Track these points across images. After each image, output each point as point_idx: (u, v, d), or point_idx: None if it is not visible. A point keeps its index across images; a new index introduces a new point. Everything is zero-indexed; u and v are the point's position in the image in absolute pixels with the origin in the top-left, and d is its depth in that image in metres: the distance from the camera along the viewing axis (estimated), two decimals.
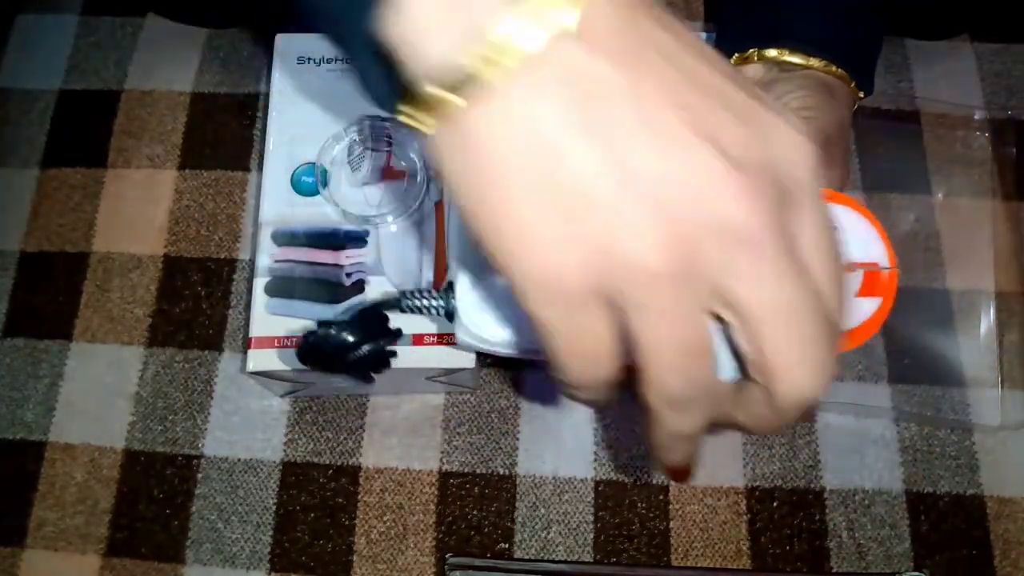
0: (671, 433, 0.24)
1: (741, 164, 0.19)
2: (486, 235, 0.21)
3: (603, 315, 0.21)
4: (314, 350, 0.33)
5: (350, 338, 0.33)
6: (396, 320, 0.36)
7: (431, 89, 0.20)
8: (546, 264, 0.20)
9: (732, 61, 0.39)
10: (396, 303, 0.35)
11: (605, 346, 0.21)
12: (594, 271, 0.20)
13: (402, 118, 0.21)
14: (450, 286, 0.34)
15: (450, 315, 0.34)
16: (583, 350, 0.21)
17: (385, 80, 0.22)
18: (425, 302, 0.34)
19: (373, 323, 0.34)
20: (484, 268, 0.33)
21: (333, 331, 0.33)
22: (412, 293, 0.34)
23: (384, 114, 0.42)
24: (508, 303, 0.33)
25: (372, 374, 0.35)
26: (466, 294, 0.33)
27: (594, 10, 0.19)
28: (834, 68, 0.36)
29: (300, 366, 0.39)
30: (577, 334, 0.21)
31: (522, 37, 0.19)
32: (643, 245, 0.19)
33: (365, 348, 0.33)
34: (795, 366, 0.21)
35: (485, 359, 0.47)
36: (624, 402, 0.24)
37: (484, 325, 0.32)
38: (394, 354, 0.35)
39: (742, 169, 0.19)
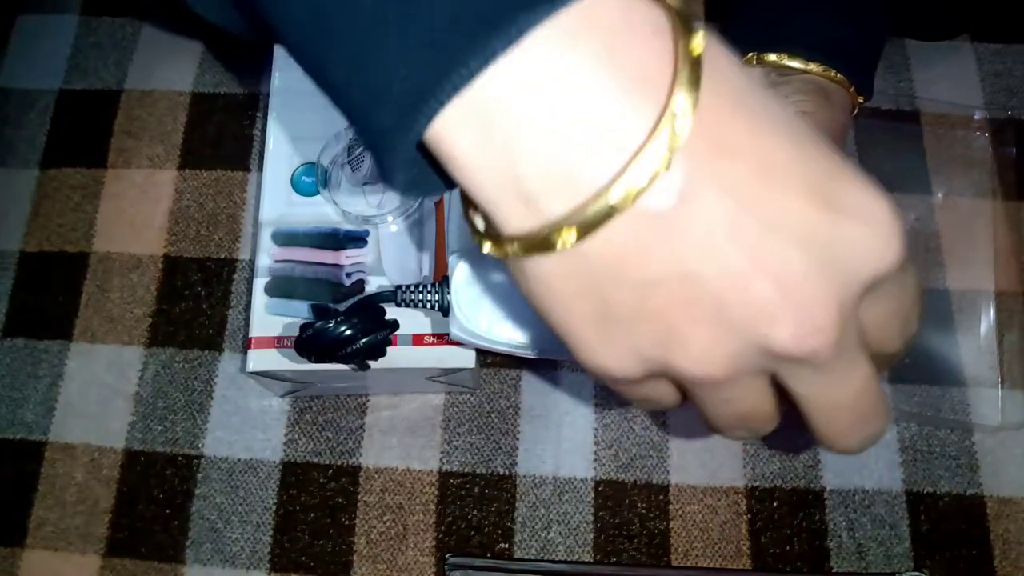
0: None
1: (808, 300, 0.19)
2: (554, 331, 0.22)
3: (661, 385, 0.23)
4: (312, 343, 0.33)
5: (348, 331, 0.33)
6: (391, 311, 0.36)
7: (508, 232, 0.20)
8: (602, 363, 0.21)
9: None
10: (392, 296, 0.35)
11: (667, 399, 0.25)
12: (656, 370, 0.21)
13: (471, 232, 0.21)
14: (445, 281, 0.34)
15: (444, 310, 0.34)
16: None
17: (408, 171, 0.21)
18: (420, 296, 0.34)
19: (370, 316, 0.34)
20: (484, 262, 0.33)
21: (331, 325, 0.33)
22: (408, 287, 0.35)
23: None
24: (501, 300, 0.33)
25: (368, 363, 0.35)
26: (460, 289, 0.33)
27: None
28: (833, 73, 0.36)
29: (300, 366, 0.39)
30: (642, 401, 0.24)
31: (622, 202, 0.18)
32: (698, 364, 0.20)
33: (363, 341, 0.33)
34: (848, 440, 0.23)
35: (485, 359, 0.47)
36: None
37: (477, 320, 0.33)
38: (389, 342, 0.35)
39: (809, 306, 0.19)
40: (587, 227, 0.18)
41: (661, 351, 0.20)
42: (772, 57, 0.37)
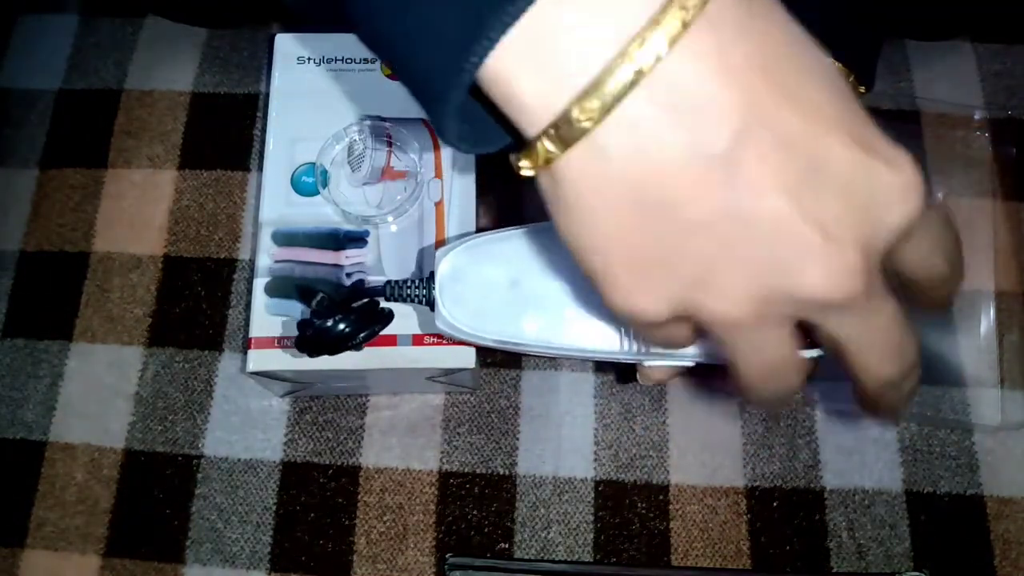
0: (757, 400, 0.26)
1: (841, 243, 0.20)
2: (587, 275, 0.23)
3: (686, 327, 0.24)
4: (313, 342, 0.34)
5: (347, 329, 0.34)
6: (385, 304, 0.37)
7: (535, 136, 0.20)
8: (636, 306, 0.22)
9: None
10: (381, 291, 0.36)
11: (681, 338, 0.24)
12: (683, 312, 0.22)
13: (513, 162, 0.21)
14: (431, 276, 0.34)
15: (431, 304, 0.34)
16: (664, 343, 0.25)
17: (461, 119, 0.22)
18: (408, 291, 0.35)
19: (365, 310, 0.36)
20: (469, 257, 0.34)
21: (329, 324, 0.34)
22: (396, 283, 0.35)
23: (385, 114, 0.43)
24: (485, 294, 0.34)
25: (363, 346, 0.36)
26: (445, 284, 0.34)
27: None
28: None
29: (300, 367, 0.39)
30: (668, 339, 0.24)
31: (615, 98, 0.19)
32: (730, 306, 0.21)
33: (361, 336, 0.35)
34: (881, 371, 0.24)
35: (485, 359, 0.47)
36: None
37: (462, 315, 0.34)
38: (384, 326, 0.36)
39: (842, 249, 0.20)
40: (609, 98, 0.18)
41: (696, 292, 0.21)
42: None
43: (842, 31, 0.38)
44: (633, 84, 0.18)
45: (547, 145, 0.20)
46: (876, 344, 0.23)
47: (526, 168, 0.21)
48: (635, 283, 0.21)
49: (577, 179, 0.20)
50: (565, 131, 0.19)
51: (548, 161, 0.20)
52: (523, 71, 0.19)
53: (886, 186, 0.20)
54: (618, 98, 0.19)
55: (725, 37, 0.19)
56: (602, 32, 0.19)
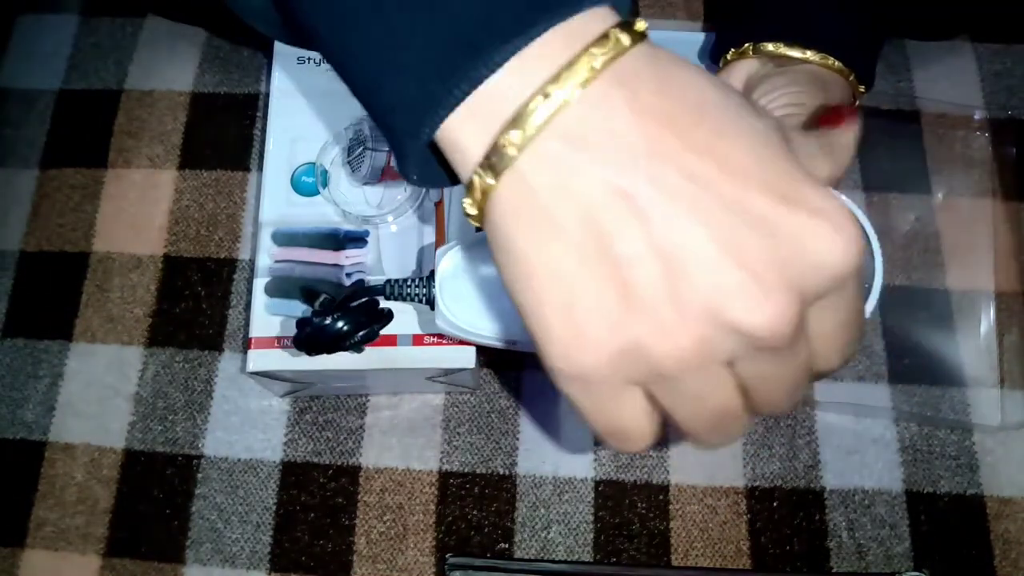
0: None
1: (769, 285, 0.20)
2: (529, 333, 0.23)
3: (631, 396, 0.22)
4: (311, 340, 0.34)
5: (345, 327, 0.34)
6: (384, 303, 0.37)
7: (471, 174, 0.22)
8: (575, 362, 0.22)
9: (728, 57, 0.38)
10: (381, 290, 0.36)
11: (636, 424, 0.23)
12: (621, 363, 0.21)
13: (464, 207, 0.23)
14: (431, 275, 0.35)
15: (431, 303, 0.35)
16: (612, 425, 0.23)
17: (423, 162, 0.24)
18: (408, 290, 0.35)
19: (364, 309, 0.36)
20: (469, 256, 0.34)
21: (328, 322, 0.34)
22: (396, 281, 0.35)
23: None
24: (485, 293, 0.34)
25: (363, 346, 0.36)
26: (445, 283, 0.34)
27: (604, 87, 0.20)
28: (831, 61, 0.36)
29: (300, 367, 0.39)
30: (605, 413, 0.23)
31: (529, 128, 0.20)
32: (672, 346, 0.21)
33: (359, 335, 0.35)
34: (776, 407, 0.24)
35: (485, 359, 0.47)
36: None
37: (462, 313, 0.34)
38: (383, 326, 0.36)
39: (769, 291, 0.20)
40: (531, 129, 0.20)
41: (638, 336, 0.21)
42: (769, 47, 0.37)
43: (841, 30, 0.38)
44: (549, 120, 0.20)
45: (481, 176, 0.21)
46: (784, 385, 0.23)
47: (468, 206, 0.22)
48: (572, 334, 0.21)
49: (509, 212, 0.21)
50: (495, 160, 0.21)
51: (484, 194, 0.22)
52: (464, 125, 0.22)
53: (812, 237, 0.20)
54: (539, 129, 0.20)
55: (635, 87, 0.21)
56: (527, 77, 0.21)
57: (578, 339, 0.21)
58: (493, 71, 0.21)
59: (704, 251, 0.20)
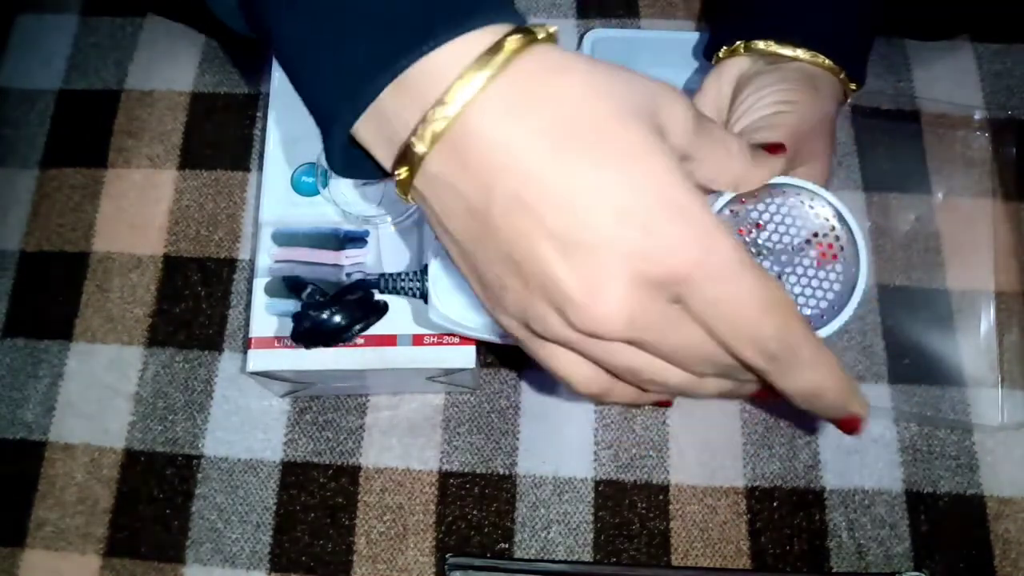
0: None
1: (594, 282, 0.23)
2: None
3: (555, 347, 0.25)
4: (309, 334, 0.35)
5: (343, 321, 0.35)
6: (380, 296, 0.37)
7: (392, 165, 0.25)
8: (496, 315, 0.26)
9: (720, 54, 0.38)
10: (375, 284, 0.36)
11: (571, 371, 0.26)
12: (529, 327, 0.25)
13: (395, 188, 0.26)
14: (424, 269, 0.35)
15: (425, 296, 0.35)
16: (552, 371, 0.26)
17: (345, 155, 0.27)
18: (402, 284, 0.35)
19: (360, 303, 0.36)
20: None
21: (325, 316, 0.34)
22: (390, 275, 0.36)
23: None
24: None
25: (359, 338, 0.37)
26: (439, 277, 0.34)
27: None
28: (821, 59, 0.36)
29: (300, 367, 0.39)
30: (539, 358, 0.26)
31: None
32: (507, 321, 0.25)
33: (356, 328, 0.35)
34: (667, 383, 0.26)
35: (485, 359, 0.47)
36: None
37: (455, 307, 0.34)
38: (379, 318, 0.37)
39: (592, 286, 0.23)
40: (435, 131, 0.23)
41: (531, 301, 0.24)
42: (760, 45, 0.37)
43: (832, 28, 0.38)
44: (437, 137, 0.23)
45: (401, 174, 0.24)
46: (675, 355, 0.25)
47: (399, 191, 0.25)
48: (487, 300, 0.26)
49: (427, 201, 0.25)
50: (409, 159, 0.24)
51: (405, 184, 0.25)
52: (368, 125, 0.25)
53: (667, 235, 0.22)
54: (433, 142, 0.23)
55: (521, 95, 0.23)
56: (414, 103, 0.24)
57: (494, 306, 0.26)
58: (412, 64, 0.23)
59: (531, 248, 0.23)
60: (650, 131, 0.23)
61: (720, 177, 0.29)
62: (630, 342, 0.24)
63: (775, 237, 0.29)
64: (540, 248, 0.22)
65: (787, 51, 0.36)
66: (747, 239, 0.29)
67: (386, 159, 0.25)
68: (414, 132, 0.23)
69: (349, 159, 0.26)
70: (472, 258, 0.25)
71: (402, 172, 0.24)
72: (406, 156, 0.24)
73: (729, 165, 0.29)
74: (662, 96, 0.24)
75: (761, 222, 0.29)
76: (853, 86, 0.38)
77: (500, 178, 0.22)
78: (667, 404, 0.29)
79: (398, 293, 0.36)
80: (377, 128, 0.24)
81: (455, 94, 0.22)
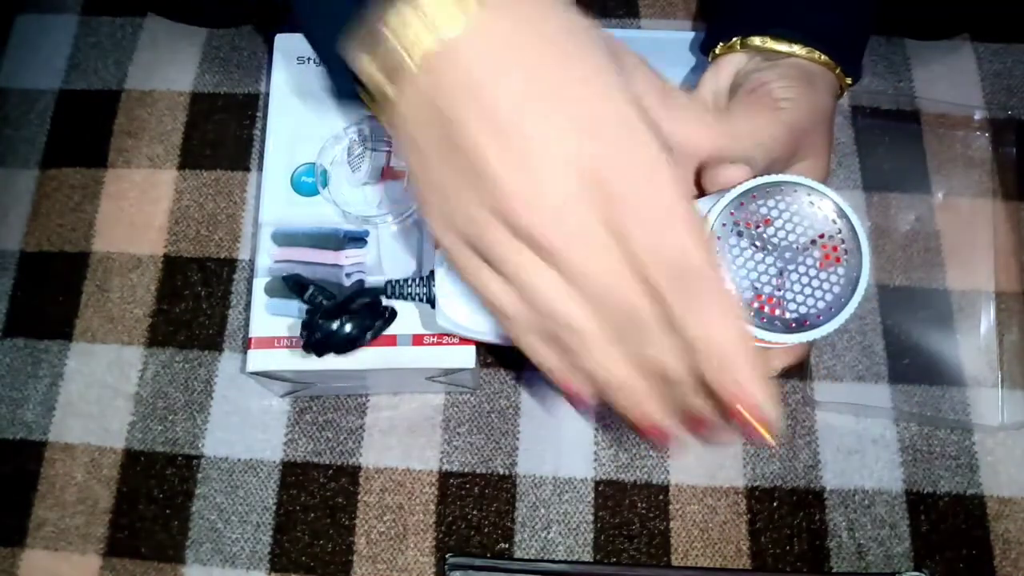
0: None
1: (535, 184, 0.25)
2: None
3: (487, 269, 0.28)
4: (321, 345, 0.35)
5: (354, 331, 0.35)
6: (387, 301, 0.37)
7: (370, 88, 0.27)
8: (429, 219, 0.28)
9: (717, 51, 0.38)
10: (382, 290, 0.36)
11: (498, 297, 0.28)
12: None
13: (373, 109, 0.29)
14: (431, 274, 0.35)
15: (432, 301, 0.35)
16: (480, 294, 0.29)
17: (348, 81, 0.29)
18: (408, 289, 0.36)
19: (369, 310, 0.36)
20: None
21: (335, 326, 0.34)
22: (397, 281, 0.36)
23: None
24: None
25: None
26: (445, 282, 0.34)
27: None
28: (818, 55, 0.36)
29: (300, 367, 0.39)
30: (468, 280, 0.28)
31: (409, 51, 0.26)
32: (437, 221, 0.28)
33: (368, 335, 0.35)
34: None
35: (485, 359, 0.47)
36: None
37: (461, 312, 0.34)
38: (389, 324, 0.37)
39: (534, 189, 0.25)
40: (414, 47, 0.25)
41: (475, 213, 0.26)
42: (757, 41, 0.37)
43: (827, 24, 0.38)
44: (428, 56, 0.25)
45: (388, 91, 0.27)
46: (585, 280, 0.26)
47: (379, 106, 0.28)
48: (440, 219, 0.27)
49: (406, 118, 0.27)
50: (397, 75, 0.26)
51: (385, 97, 0.27)
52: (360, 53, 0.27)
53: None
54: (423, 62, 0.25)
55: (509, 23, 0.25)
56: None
57: (444, 223, 0.27)
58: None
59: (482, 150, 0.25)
60: (609, 59, 0.26)
61: (681, 130, 0.31)
62: (552, 256, 0.25)
63: (781, 234, 0.29)
64: (489, 151, 0.25)
65: (783, 47, 0.36)
66: (753, 232, 0.29)
67: (377, 76, 0.27)
68: (408, 52, 0.26)
69: (350, 80, 0.28)
70: (430, 171, 0.27)
71: (389, 90, 0.27)
72: (396, 73, 0.26)
73: (687, 119, 0.32)
74: (628, 55, 0.28)
75: (769, 218, 0.29)
76: (849, 81, 0.38)
77: (472, 96, 0.25)
78: (665, 442, 0.29)
79: (405, 299, 0.36)
80: (373, 45, 0.27)
81: (449, 21, 0.25)
